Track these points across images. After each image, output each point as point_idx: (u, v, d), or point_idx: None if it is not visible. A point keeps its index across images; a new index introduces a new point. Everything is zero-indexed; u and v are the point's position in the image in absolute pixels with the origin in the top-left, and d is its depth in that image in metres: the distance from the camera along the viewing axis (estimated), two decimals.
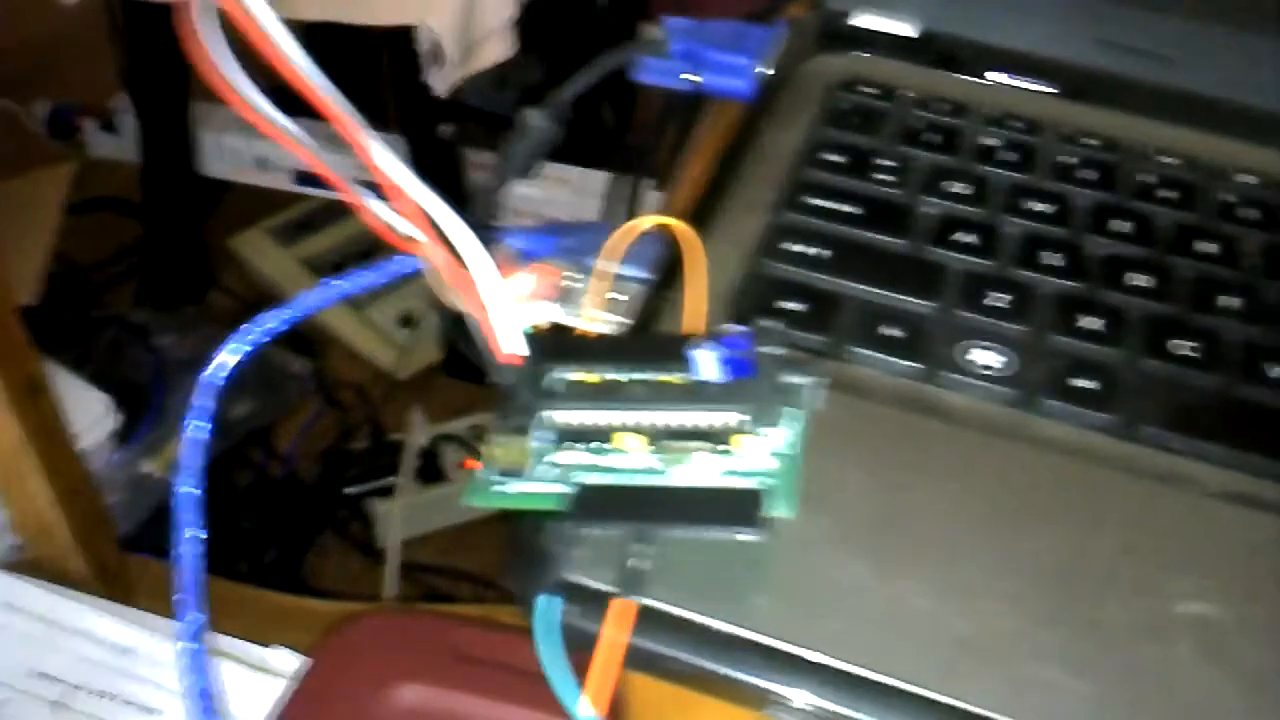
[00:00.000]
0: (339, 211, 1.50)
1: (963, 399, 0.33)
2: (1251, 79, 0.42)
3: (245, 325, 0.37)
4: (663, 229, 0.35)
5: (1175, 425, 0.32)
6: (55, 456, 0.71)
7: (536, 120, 0.48)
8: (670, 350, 0.29)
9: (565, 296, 0.35)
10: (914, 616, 0.27)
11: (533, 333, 0.31)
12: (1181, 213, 0.38)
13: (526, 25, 1.15)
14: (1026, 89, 0.44)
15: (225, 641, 0.68)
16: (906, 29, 0.45)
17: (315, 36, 1.59)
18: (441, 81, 1.11)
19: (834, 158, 0.39)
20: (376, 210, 0.35)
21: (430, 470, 1.28)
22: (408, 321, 1.43)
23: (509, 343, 0.29)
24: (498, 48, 1.14)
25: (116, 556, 0.78)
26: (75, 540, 0.73)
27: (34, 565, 0.73)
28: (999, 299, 0.35)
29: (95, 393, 1.02)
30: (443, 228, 0.30)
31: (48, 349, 1.07)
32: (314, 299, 0.38)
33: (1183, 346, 0.34)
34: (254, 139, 1.42)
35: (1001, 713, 0.26)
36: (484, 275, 0.29)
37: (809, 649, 0.26)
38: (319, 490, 1.30)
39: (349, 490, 1.29)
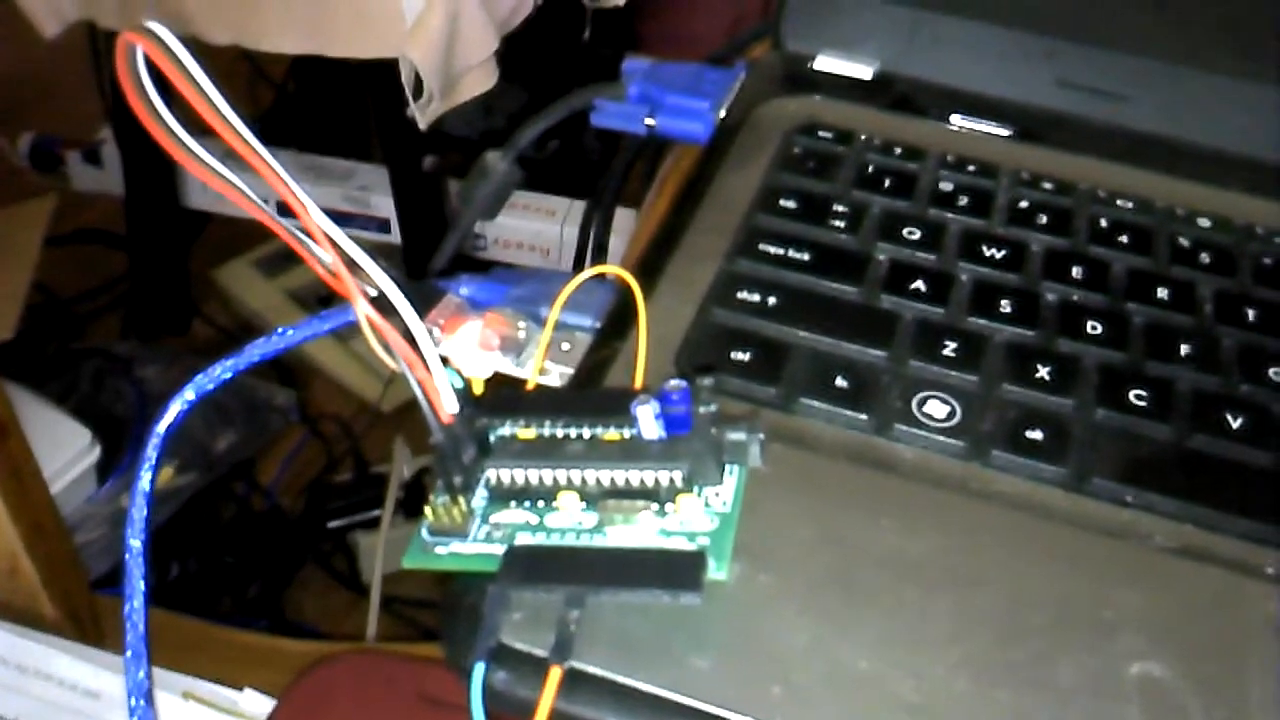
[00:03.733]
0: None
1: (912, 451, 0.32)
2: (1208, 118, 0.41)
3: (196, 376, 0.37)
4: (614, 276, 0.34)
5: (1126, 478, 0.32)
6: (24, 498, 0.71)
7: (497, 163, 0.47)
8: (613, 405, 0.29)
9: (514, 346, 0.35)
10: (859, 681, 0.27)
11: (473, 390, 0.31)
12: (1136, 258, 0.38)
13: (509, 57, 1.15)
14: (983, 131, 0.43)
15: (196, 684, 0.67)
16: (865, 71, 0.45)
17: (300, 69, 1.60)
18: (423, 115, 1.11)
19: (788, 203, 0.39)
20: (320, 256, 0.35)
21: (414, 503, 1.27)
22: (393, 353, 1.43)
23: (449, 403, 0.28)
24: (480, 80, 1.14)
25: (87, 598, 0.77)
26: (44, 583, 0.73)
27: (1, 608, 0.73)
28: (950, 349, 0.34)
29: (77, 426, 1.01)
30: (381, 287, 0.29)
31: (29, 381, 1.06)
32: (263, 348, 0.38)
33: (1135, 396, 0.34)
34: (237, 170, 1.42)
35: None
36: (421, 336, 0.29)
37: (747, 716, 0.26)
38: (302, 523, 1.29)
39: (332, 524, 1.29)
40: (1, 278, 1.22)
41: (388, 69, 1.09)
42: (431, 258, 1.23)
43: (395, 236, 1.36)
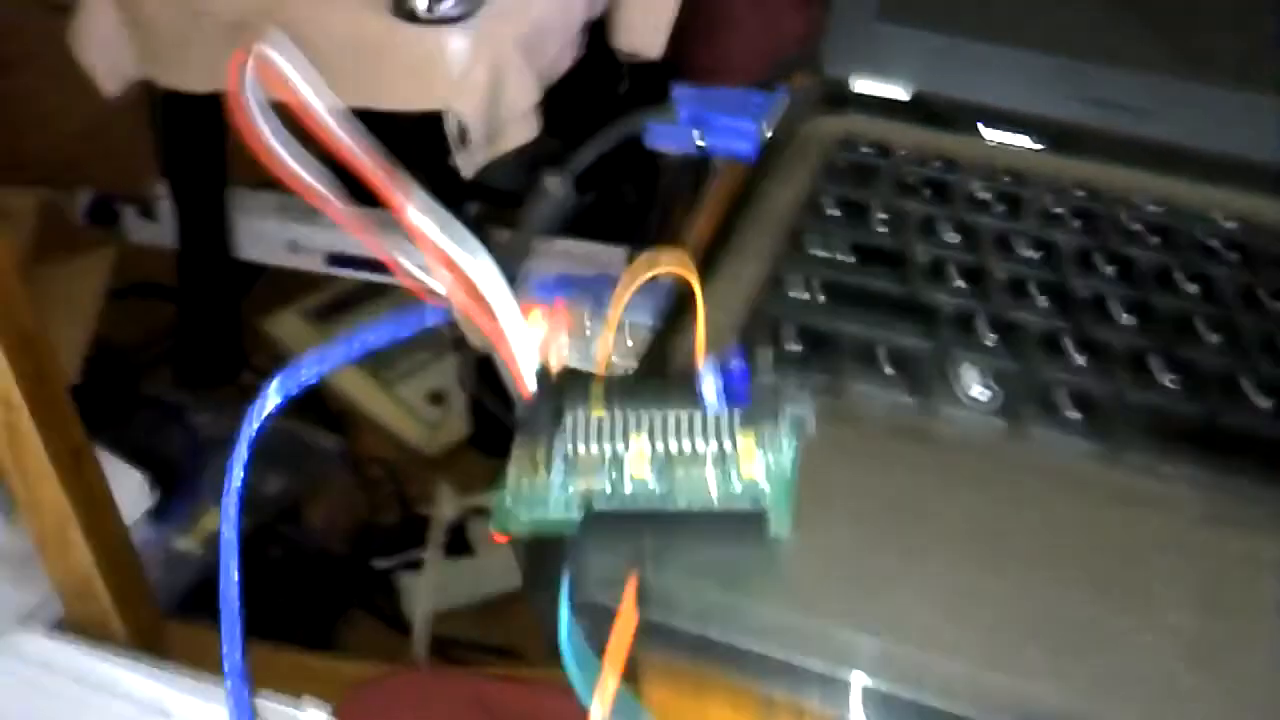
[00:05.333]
0: (369, 293, 1.54)
1: (954, 428, 0.34)
2: (1224, 128, 0.44)
3: (287, 369, 0.40)
4: (670, 276, 0.37)
5: (1157, 450, 0.34)
6: (98, 522, 0.74)
7: (554, 186, 0.50)
8: (676, 385, 0.31)
9: (579, 342, 0.38)
10: (907, 627, 0.29)
11: (551, 373, 0.33)
12: (1162, 254, 0.41)
13: (550, 108, 1.19)
14: (1014, 145, 0.46)
15: (257, 698, 0.69)
16: (900, 92, 0.48)
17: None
18: (468, 164, 1.15)
19: (832, 210, 0.42)
20: (409, 267, 0.38)
21: (459, 544, 1.29)
22: (437, 399, 1.46)
23: (530, 380, 0.31)
24: (522, 130, 1.18)
25: (154, 620, 0.80)
26: (114, 602, 0.76)
27: (74, 626, 0.76)
28: (989, 337, 0.37)
29: (132, 471, 1.04)
30: (472, 276, 0.32)
31: (88, 428, 1.10)
32: (345, 350, 0.41)
33: (1164, 377, 0.36)
34: (287, 223, 1.46)
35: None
36: (509, 319, 0.32)
37: (810, 657, 0.28)
38: (348, 564, 1.32)
39: (378, 564, 1.31)
40: (65, 329, 1.26)
41: (433, 121, 1.13)
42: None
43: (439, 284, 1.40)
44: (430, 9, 1.09)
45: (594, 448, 0.31)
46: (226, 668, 0.40)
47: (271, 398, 0.40)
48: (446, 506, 1.31)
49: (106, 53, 1.18)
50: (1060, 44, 0.47)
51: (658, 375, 0.35)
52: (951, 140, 0.46)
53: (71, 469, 0.71)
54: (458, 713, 0.61)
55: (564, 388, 0.32)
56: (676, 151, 0.47)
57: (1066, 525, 0.32)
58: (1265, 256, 0.41)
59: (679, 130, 0.47)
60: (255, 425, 0.41)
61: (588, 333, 0.38)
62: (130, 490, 1.03)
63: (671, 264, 0.37)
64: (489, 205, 1.36)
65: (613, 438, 0.31)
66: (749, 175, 0.45)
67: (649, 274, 0.36)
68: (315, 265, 1.48)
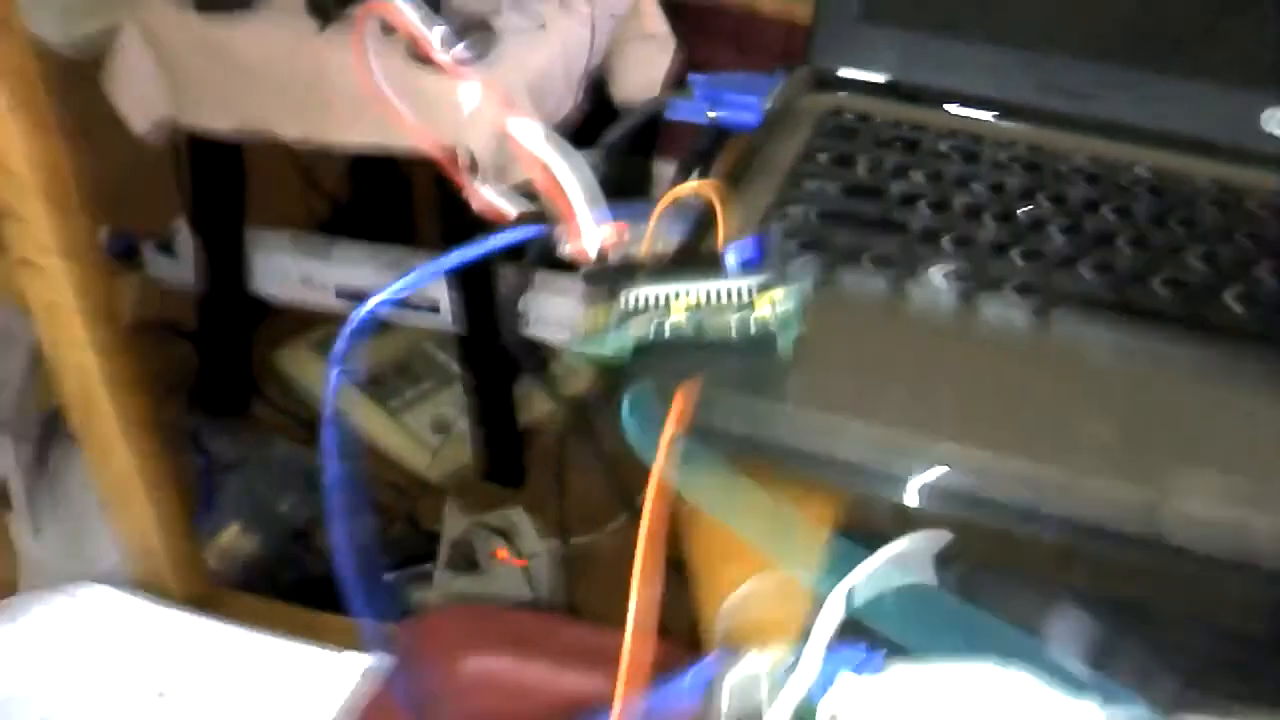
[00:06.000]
0: (377, 327, 1.62)
1: (920, 305, 0.44)
2: (1151, 107, 0.54)
3: (372, 296, 0.48)
4: (696, 196, 0.47)
5: (1078, 318, 0.43)
6: (159, 487, 0.82)
7: (589, 159, 0.60)
8: (705, 257, 0.41)
9: (627, 246, 0.47)
10: (891, 413, 0.38)
11: (607, 258, 0.43)
12: (1089, 190, 0.50)
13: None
14: (974, 116, 0.56)
15: (309, 649, 0.77)
16: (878, 77, 0.58)
17: (356, 172, 1.72)
18: (479, 198, 1.24)
19: (822, 157, 0.51)
20: (484, 193, 0.47)
21: (465, 560, 1.36)
22: (441, 427, 1.53)
23: (593, 249, 0.40)
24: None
25: (206, 584, 0.87)
26: (172, 563, 0.83)
27: (135, 584, 0.83)
28: (949, 247, 0.47)
29: None
30: (560, 179, 0.42)
31: None
32: (435, 267, 0.49)
33: (1086, 272, 0.46)
34: (301, 259, 1.55)
35: None
36: (581, 209, 0.41)
37: (822, 439, 0.37)
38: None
39: (386, 579, 1.37)
40: None
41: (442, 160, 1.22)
42: (484, 322, 1.38)
43: (444, 317, 1.49)
44: (444, 52, 1.19)
45: (640, 304, 0.40)
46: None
47: (368, 306, 0.48)
48: (453, 523, 1.39)
49: (138, 94, 1.28)
50: (1013, 40, 0.57)
51: (687, 263, 0.44)
52: (921, 112, 0.56)
53: (138, 433, 0.79)
54: (494, 637, 0.69)
55: (618, 270, 0.42)
56: (692, 121, 0.57)
57: (1009, 361, 0.41)
58: (1173, 193, 0.50)
59: (695, 105, 0.57)
60: (347, 341, 0.49)
61: (629, 238, 0.47)
62: None
63: (698, 187, 0.46)
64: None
65: (655, 299, 0.40)
66: (753, 139, 0.54)
67: (681, 192, 0.46)
68: (326, 300, 1.57)
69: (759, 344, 0.38)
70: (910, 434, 0.37)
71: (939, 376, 0.40)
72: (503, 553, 1.37)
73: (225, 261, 1.51)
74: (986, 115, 0.56)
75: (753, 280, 0.39)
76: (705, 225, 0.46)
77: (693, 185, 0.45)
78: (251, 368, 1.59)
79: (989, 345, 0.42)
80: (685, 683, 0.32)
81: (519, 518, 1.40)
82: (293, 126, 1.28)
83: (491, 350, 1.46)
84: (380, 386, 1.59)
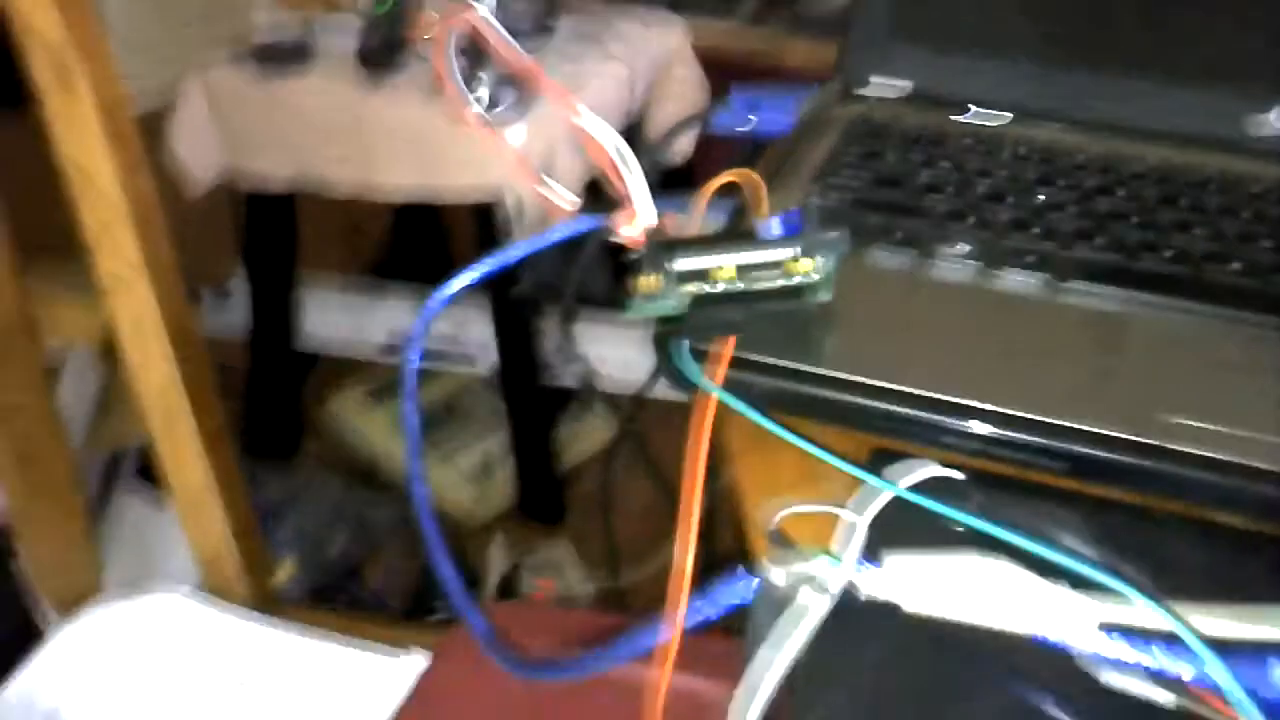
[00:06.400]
0: (426, 372, 1.68)
1: (943, 273, 0.48)
2: (1152, 112, 0.59)
3: (458, 275, 0.53)
4: (736, 183, 0.51)
5: (1086, 281, 0.48)
6: (232, 498, 0.86)
7: (654, 150, 0.65)
8: (747, 233, 0.45)
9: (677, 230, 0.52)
10: (918, 352, 0.42)
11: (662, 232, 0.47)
12: (1100, 178, 0.55)
13: (593, 187, 1.33)
14: (991, 118, 0.61)
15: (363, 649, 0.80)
16: (904, 87, 0.63)
17: (400, 217, 1.78)
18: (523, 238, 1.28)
19: (852, 153, 0.56)
20: (552, 184, 0.52)
21: (510, 596, 1.40)
22: (486, 470, 1.57)
23: (649, 224, 0.45)
24: (570, 210, 1.31)
25: (271, 594, 0.92)
26: (243, 571, 0.87)
27: (208, 590, 0.87)
28: (970, 220, 0.51)
29: None
30: (620, 164, 0.46)
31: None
32: (525, 247, 0.54)
33: (1097, 243, 0.50)
34: (349, 312, 1.61)
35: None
36: (638, 189, 0.46)
37: (856, 375, 0.42)
38: (407, 619, 1.42)
39: (433, 618, 1.41)
40: None
41: (486, 209, 1.27)
42: (524, 365, 1.43)
43: (480, 368, 1.53)
44: (489, 110, 1.24)
45: (693, 264, 0.44)
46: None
47: (455, 284, 0.53)
48: (498, 559, 1.43)
49: (197, 145, 1.35)
50: (1028, 52, 0.62)
51: (731, 238, 0.49)
52: (943, 116, 0.61)
53: (213, 450, 0.84)
54: (547, 633, 0.72)
55: (671, 243, 0.46)
56: (734, 129, 0.62)
57: (1025, 319, 0.45)
58: (1175, 182, 0.55)
59: (736, 114, 0.62)
60: (424, 323, 0.54)
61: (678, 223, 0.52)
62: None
63: (739, 174, 0.51)
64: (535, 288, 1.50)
65: (705, 265, 0.45)
66: (788, 141, 0.59)
67: (725, 177, 0.51)
68: (372, 351, 1.63)
69: (798, 300, 0.43)
70: (929, 381, 0.42)
71: (960, 332, 0.44)
72: (547, 587, 1.40)
73: (277, 309, 1.57)
74: (1004, 118, 0.60)
75: (793, 248, 0.44)
76: (744, 211, 0.51)
77: (734, 173, 0.50)
78: (301, 414, 1.65)
79: (1007, 308, 0.46)
80: (735, 586, 0.36)
81: (564, 554, 1.44)
82: (345, 174, 1.34)
83: (531, 392, 1.51)
84: (427, 431, 1.63)
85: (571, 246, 0.56)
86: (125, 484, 1.20)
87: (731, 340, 0.42)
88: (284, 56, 1.32)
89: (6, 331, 0.76)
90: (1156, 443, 0.39)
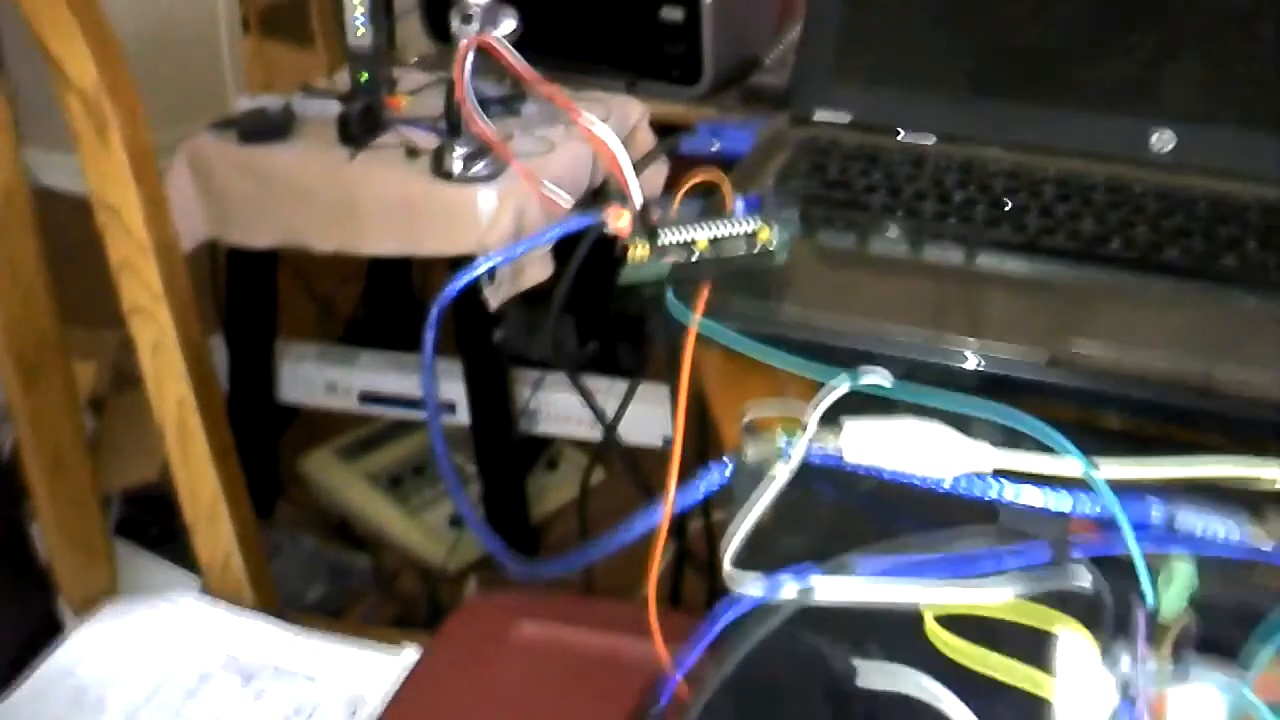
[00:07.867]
0: (397, 430, 1.74)
1: (881, 251, 0.59)
2: (1053, 132, 0.69)
3: (466, 270, 0.61)
4: (704, 185, 0.61)
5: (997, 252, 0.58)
6: (239, 509, 0.93)
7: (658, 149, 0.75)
8: (719, 212, 0.55)
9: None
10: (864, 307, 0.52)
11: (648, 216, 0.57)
12: (1010, 181, 0.65)
13: (561, 256, 1.41)
14: (918, 140, 0.71)
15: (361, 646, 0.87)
16: (844, 118, 0.74)
17: (370, 286, 1.86)
18: (495, 297, 1.37)
19: (800, 166, 0.67)
20: (550, 187, 0.62)
21: None
22: (456, 522, 1.63)
23: (639, 201, 0.55)
24: (539, 270, 1.39)
25: (275, 599, 0.98)
26: (249, 577, 0.94)
27: (215, 595, 0.94)
28: (899, 214, 0.62)
29: (185, 574, 1.19)
30: (616, 155, 0.56)
31: (144, 542, 1.23)
32: (528, 242, 0.64)
33: (1004, 227, 0.60)
34: (325, 367, 1.68)
35: None
36: (629, 174, 0.56)
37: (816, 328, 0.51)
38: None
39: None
40: (138, 449, 1.45)
41: (461, 262, 1.35)
42: (495, 418, 1.51)
43: (459, 417, 1.61)
44: (464, 171, 1.33)
45: (676, 236, 0.54)
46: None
47: (474, 272, 0.61)
48: None
49: (182, 216, 1.42)
50: (946, 89, 0.73)
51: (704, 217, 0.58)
52: (877, 138, 0.71)
53: (223, 462, 0.91)
54: (543, 616, 0.79)
55: (655, 223, 0.56)
56: (699, 151, 0.72)
57: (944, 280, 0.56)
58: (1070, 184, 0.66)
59: (701, 140, 0.72)
60: (448, 298, 0.62)
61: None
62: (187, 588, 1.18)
63: (708, 173, 0.61)
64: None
65: (685, 229, 0.54)
66: (747, 159, 0.70)
67: (696, 177, 0.61)
68: (350, 404, 1.69)
69: (760, 261, 0.53)
70: (867, 321, 0.52)
71: (890, 288, 0.54)
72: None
73: (254, 369, 1.63)
74: (930, 139, 0.71)
75: (755, 221, 0.54)
76: (713, 206, 0.61)
77: (705, 172, 0.60)
78: (277, 471, 1.70)
79: (929, 273, 0.57)
80: (718, 471, 0.45)
81: None
82: (326, 239, 1.41)
83: (503, 445, 1.58)
84: (399, 486, 1.69)
85: (568, 244, 0.65)
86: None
87: (707, 287, 0.52)
88: (266, 127, 1.40)
89: (44, 345, 0.84)
90: (1039, 360, 0.49)
